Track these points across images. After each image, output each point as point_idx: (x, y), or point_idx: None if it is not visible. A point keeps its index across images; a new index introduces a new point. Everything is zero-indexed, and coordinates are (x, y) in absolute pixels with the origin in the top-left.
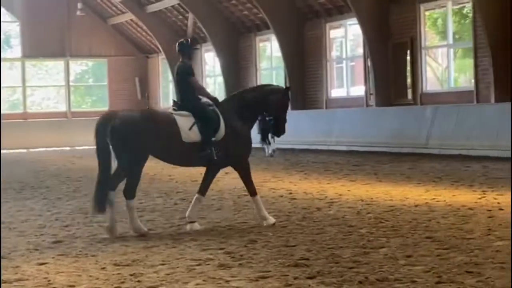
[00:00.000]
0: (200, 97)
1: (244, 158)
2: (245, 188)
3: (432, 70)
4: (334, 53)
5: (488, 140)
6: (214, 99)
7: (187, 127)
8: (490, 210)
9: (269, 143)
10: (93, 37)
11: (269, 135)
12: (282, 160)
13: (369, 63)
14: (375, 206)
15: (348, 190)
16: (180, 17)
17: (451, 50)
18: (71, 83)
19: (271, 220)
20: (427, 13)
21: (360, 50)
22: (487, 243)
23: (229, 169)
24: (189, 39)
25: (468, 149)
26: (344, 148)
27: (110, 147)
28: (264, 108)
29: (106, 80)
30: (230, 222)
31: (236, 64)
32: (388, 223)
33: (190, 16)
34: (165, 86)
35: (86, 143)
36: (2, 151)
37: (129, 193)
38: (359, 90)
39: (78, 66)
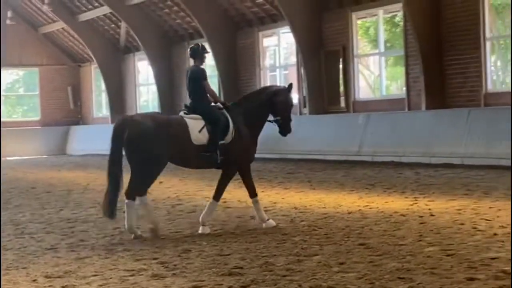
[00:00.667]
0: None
1: (249, 161)
2: (179, 198)
3: (365, 78)
4: (267, 61)
5: (420, 147)
6: (224, 104)
7: (197, 129)
8: (421, 217)
9: None
10: (24, 46)
11: None
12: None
13: (302, 71)
14: (308, 214)
15: (282, 198)
16: (113, 25)
17: (383, 58)
18: (2, 93)
19: (271, 223)
20: (359, 21)
21: (293, 59)
22: (418, 249)
23: (163, 178)
24: (200, 44)
25: (400, 156)
26: (278, 156)
27: (124, 153)
28: (270, 109)
29: (38, 89)
30: (164, 232)
31: (170, 72)
32: (322, 231)
33: (123, 24)
34: (98, 94)
35: (18, 154)
36: None
37: (141, 191)
38: (293, 98)
39: (9, 75)
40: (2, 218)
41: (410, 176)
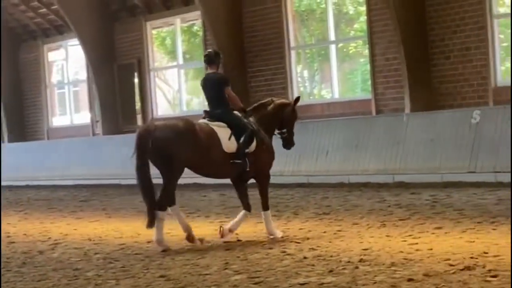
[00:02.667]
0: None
1: (268, 171)
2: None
3: (163, 93)
4: (54, 77)
5: None
6: (245, 110)
7: (226, 137)
8: (227, 242)
9: None
10: None
11: None
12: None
13: (94, 87)
14: (104, 245)
15: (75, 229)
16: None
17: (182, 71)
18: None
19: (279, 233)
20: (154, 31)
21: (83, 74)
22: (224, 278)
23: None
24: (213, 50)
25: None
26: (70, 182)
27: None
28: (279, 121)
29: None
30: None
31: None
32: (118, 263)
33: None
34: None
35: None
36: None
37: (170, 200)
38: (84, 117)
39: None
40: None
41: (215, 198)
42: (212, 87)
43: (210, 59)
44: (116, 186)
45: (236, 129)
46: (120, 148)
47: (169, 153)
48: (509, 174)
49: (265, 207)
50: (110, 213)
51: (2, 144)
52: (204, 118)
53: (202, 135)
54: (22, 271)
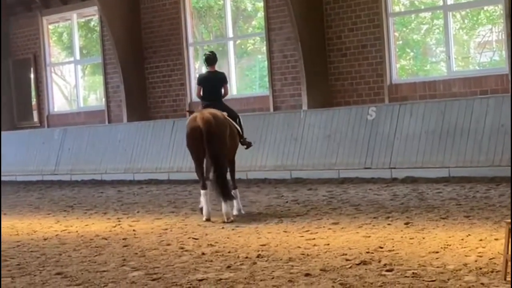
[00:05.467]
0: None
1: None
2: None
3: (60, 89)
4: None
5: (122, 162)
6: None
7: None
8: (125, 239)
9: None
10: None
11: None
12: None
13: None
14: None
15: None
16: None
17: (79, 67)
18: None
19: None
20: (51, 26)
21: None
22: (122, 274)
23: None
24: (212, 52)
25: (101, 173)
26: None
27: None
28: None
29: None
30: None
31: None
32: (14, 261)
33: None
34: None
35: None
36: None
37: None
38: None
39: None
40: None
41: (113, 195)
42: (217, 84)
43: (211, 60)
44: (11, 182)
45: (237, 119)
46: (15, 145)
47: (224, 140)
48: (404, 170)
49: (235, 186)
50: (5, 211)
51: None
52: (204, 107)
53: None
54: None
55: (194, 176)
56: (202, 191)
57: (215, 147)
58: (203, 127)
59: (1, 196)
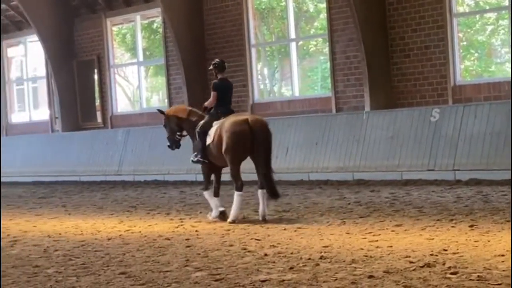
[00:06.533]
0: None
1: None
2: None
3: (123, 90)
4: (14, 73)
5: (185, 163)
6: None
7: None
8: (188, 239)
9: None
10: None
11: None
12: None
13: (53, 84)
14: (64, 242)
15: (34, 226)
16: None
17: (142, 68)
18: None
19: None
20: (114, 28)
21: (43, 70)
22: (185, 275)
23: None
24: (222, 60)
25: (164, 174)
26: (29, 179)
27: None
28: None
29: None
30: None
31: None
32: (79, 260)
33: None
34: None
35: None
36: None
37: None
38: (43, 114)
39: None
40: None
41: (175, 195)
42: (230, 91)
43: (221, 67)
44: (75, 183)
45: None
46: (79, 145)
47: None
48: (468, 172)
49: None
50: (69, 210)
51: None
52: (223, 114)
53: None
54: None
55: (256, 177)
56: (236, 192)
57: (270, 148)
58: (261, 128)
59: (61, 196)
